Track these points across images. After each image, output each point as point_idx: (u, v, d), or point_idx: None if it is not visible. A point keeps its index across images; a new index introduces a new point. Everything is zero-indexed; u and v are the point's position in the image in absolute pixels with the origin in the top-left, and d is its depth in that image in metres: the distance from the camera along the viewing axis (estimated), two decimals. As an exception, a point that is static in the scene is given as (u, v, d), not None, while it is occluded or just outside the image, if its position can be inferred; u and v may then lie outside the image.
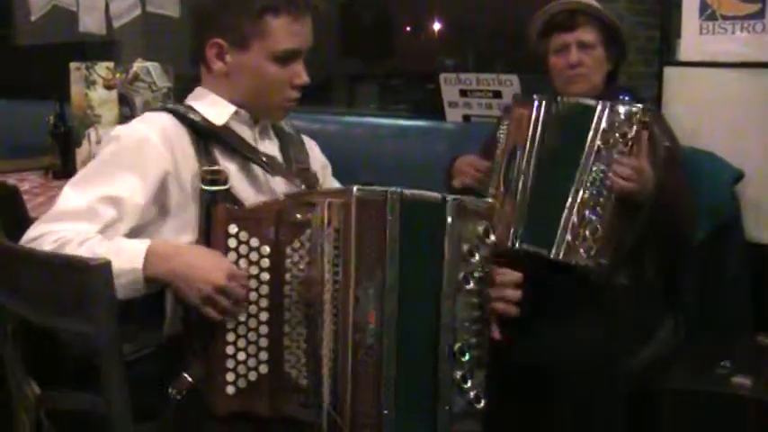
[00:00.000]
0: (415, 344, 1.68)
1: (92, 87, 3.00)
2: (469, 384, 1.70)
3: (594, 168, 2.23)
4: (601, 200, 2.22)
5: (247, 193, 1.84)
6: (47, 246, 1.69)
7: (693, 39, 2.75)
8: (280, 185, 1.89)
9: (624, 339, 2.24)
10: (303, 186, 1.88)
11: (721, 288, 2.58)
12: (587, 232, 2.22)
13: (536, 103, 2.35)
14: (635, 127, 2.21)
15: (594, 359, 2.13)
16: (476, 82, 3.26)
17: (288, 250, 1.68)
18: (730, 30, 2.69)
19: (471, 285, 1.71)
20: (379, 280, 1.63)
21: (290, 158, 1.94)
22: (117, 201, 1.74)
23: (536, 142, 2.33)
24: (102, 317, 1.57)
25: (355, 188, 1.63)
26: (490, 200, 1.83)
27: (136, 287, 1.66)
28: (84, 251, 1.66)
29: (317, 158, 2.05)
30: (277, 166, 1.89)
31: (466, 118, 3.34)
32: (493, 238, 1.73)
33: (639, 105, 2.24)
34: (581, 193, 2.24)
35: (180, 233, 1.79)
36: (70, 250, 1.67)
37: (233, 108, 1.87)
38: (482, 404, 1.71)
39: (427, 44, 6.45)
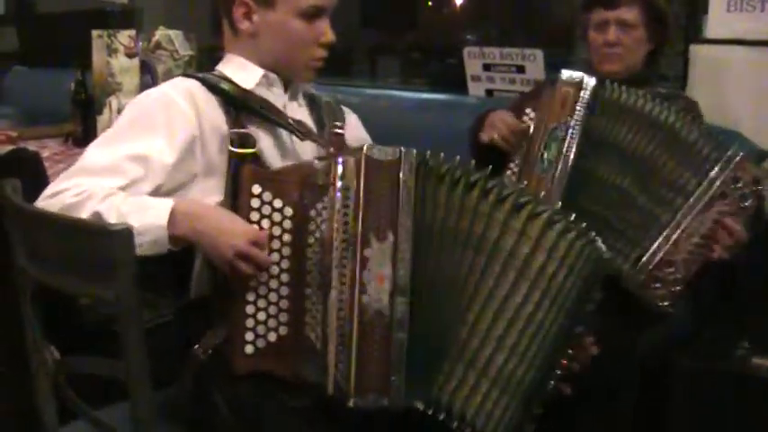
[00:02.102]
0: (440, 307, 1.69)
1: (113, 55, 3.07)
2: None
3: (705, 215, 2.14)
4: (694, 251, 2.13)
5: (274, 159, 1.89)
6: (68, 199, 1.72)
7: (721, 16, 2.77)
8: (308, 152, 1.93)
9: (635, 318, 2.21)
10: (332, 150, 1.90)
11: (740, 268, 2.53)
12: (669, 276, 2.15)
13: (587, 84, 2.23)
14: (751, 187, 2.14)
15: (604, 339, 2.10)
16: (499, 56, 3.31)
17: (311, 212, 1.72)
18: (759, 7, 2.71)
19: None
20: (390, 242, 1.65)
21: (322, 123, 1.99)
22: (143, 159, 1.78)
23: (584, 127, 2.24)
24: (122, 283, 1.59)
25: (365, 147, 1.66)
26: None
27: (160, 245, 1.69)
28: (106, 207, 1.70)
29: (354, 130, 2.08)
30: (305, 130, 1.92)
31: (489, 93, 3.39)
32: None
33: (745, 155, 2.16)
34: (680, 230, 2.14)
35: (207, 196, 1.82)
36: (92, 205, 1.70)
37: (261, 71, 1.93)
38: None
39: (450, 17, 6.47)
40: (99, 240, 1.60)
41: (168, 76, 2.98)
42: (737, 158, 2.13)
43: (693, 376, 2.34)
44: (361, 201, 1.65)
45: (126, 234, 1.59)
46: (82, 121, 3.23)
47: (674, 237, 2.13)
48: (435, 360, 1.70)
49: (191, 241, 1.70)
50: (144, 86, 2.95)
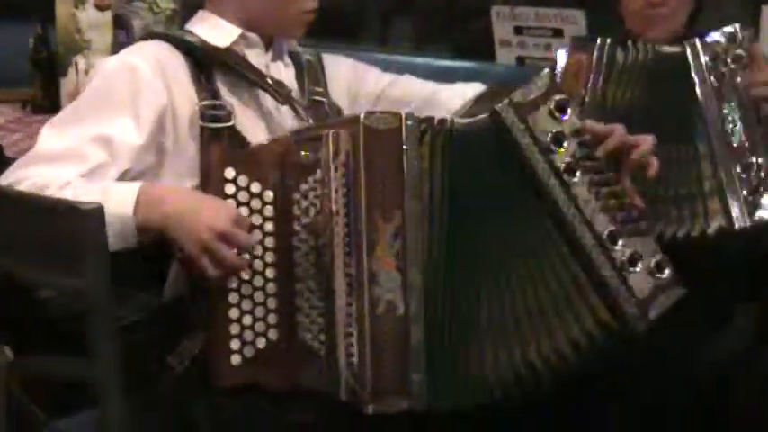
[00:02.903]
0: (463, 289, 1.71)
1: (81, 7, 3.03)
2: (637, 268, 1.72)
3: (726, 110, 2.21)
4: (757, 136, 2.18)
5: (256, 131, 1.89)
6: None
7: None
8: (291, 121, 1.93)
9: (698, 326, 2.21)
10: (311, 120, 1.91)
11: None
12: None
13: (597, 48, 2.27)
14: (744, 44, 2.20)
15: (665, 350, 2.11)
16: (534, 18, 3.29)
17: (295, 195, 1.72)
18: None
19: (579, 175, 1.72)
20: (397, 221, 1.65)
21: (303, 88, 1.99)
22: (106, 140, 1.78)
23: (600, 96, 2.27)
24: (93, 270, 1.60)
25: (363, 115, 1.65)
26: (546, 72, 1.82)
27: (127, 237, 1.69)
28: (65, 196, 1.70)
29: (345, 83, 2.09)
30: (286, 93, 1.92)
31: (520, 60, 3.36)
32: (570, 112, 1.73)
33: (731, 26, 2.22)
34: (735, 139, 2.20)
35: (181, 178, 1.84)
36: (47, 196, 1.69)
37: (238, 31, 1.93)
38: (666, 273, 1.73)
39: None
40: (65, 221, 1.60)
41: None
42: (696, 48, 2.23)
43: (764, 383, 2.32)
44: (362, 178, 1.65)
45: (97, 213, 1.59)
46: (43, 84, 3.18)
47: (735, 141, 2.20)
48: (459, 352, 1.71)
49: (160, 229, 1.69)
50: (117, 45, 2.91)
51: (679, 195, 2.21)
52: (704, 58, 2.22)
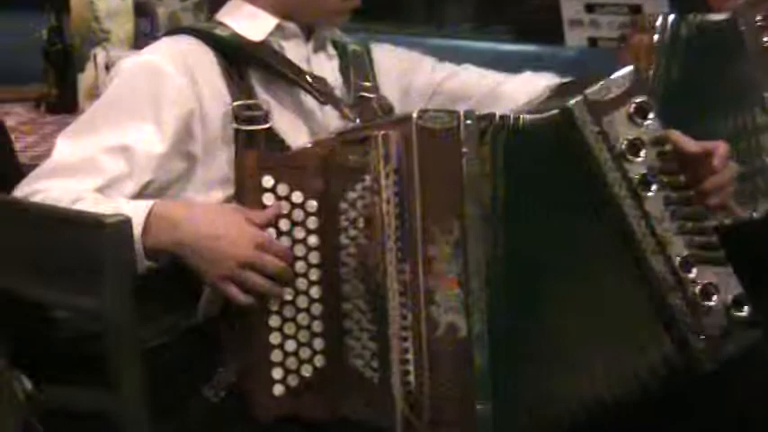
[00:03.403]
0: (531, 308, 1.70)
1: (99, -7, 2.94)
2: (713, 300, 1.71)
3: None
4: None
5: (296, 133, 1.88)
6: None
7: None
8: (336, 121, 1.91)
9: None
10: (357, 121, 1.89)
11: None
12: None
13: (659, 25, 2.31)
14: None
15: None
16: (608, -8, 3.21)
17: (341, 205, 1.70)
18: None
19: (654, 190, 1.70)
20: (457, 232, 1.65)
21: (349, 82, 1.97)
22: (124, 150, 1.78)
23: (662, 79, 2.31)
24: (114, 289, 1.60)
25: (416, 113, 1.62)
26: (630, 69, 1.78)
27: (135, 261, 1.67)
28: None
29: (394, 74, 2.07)
30: (328, 91, 1.91)
31: (592, 42, 3.34)
32: (652, 116, 1.70)
33: None
34: None
35: (211, 188, 1.84)
36: None
37: (275, 20, 1.91)
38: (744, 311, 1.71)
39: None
40: (86, 234, 1.60)
41: (173, 21, 2.95)
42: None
43: None
44: (416, 184, 1.64)
45: (123, 227, 1.59)
46: (57, 80, 3.14)
47: None
48: (525, 380, 1.71)
49: (173, 255, 1.69)
50: (140, 35, 2.91)
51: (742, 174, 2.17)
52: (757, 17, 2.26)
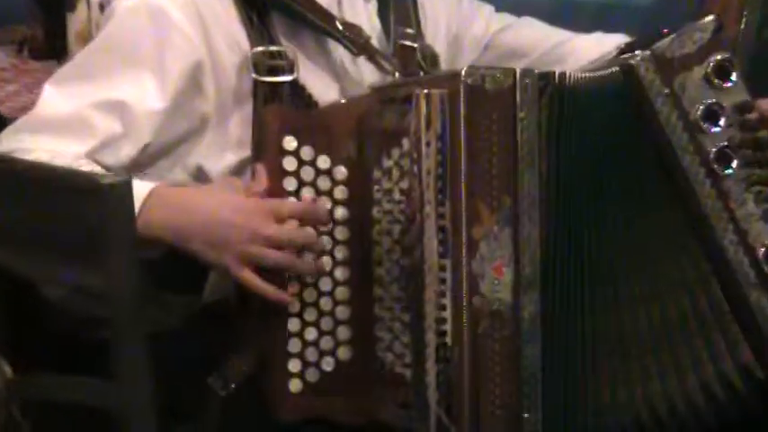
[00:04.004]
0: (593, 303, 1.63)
1: None
2: None
3: None
4: None
5: (325, 89, 1.82)
6: None
7: None
8: (372, 75, 1.84)
9: None
10: (396, 74, 1.81)
11: None
12: None
13: None
14: None
15: None
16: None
17: (375, 173, 1.64)
18: None
19: (734, 167, 1.61)
20: (507, 210, 1.55)
21: (388, 29, 1.89)
22: (120, 107, 1.72)
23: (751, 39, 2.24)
24: (118, 263, 1.52)
25: (465, 70, 1.54)
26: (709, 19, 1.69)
27: None
28: None
29: (443, 20, 2.01)
30: (362, 41, 1.82)
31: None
32: (735, 77, 1.62)
33: None
34: None
35: (222, 152, 1.78)
36: None
37: None
38: None
39: None
40: (83, 199, 1.54)
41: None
42: None
43: None
44: (463, 153, 1.54)
45: (123, 189, 1.51)
46: (44, 21, 3.06)
47: None
48: (579, 385, 1.63)
49: (171, 244, 1.63)
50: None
51: None
52: None
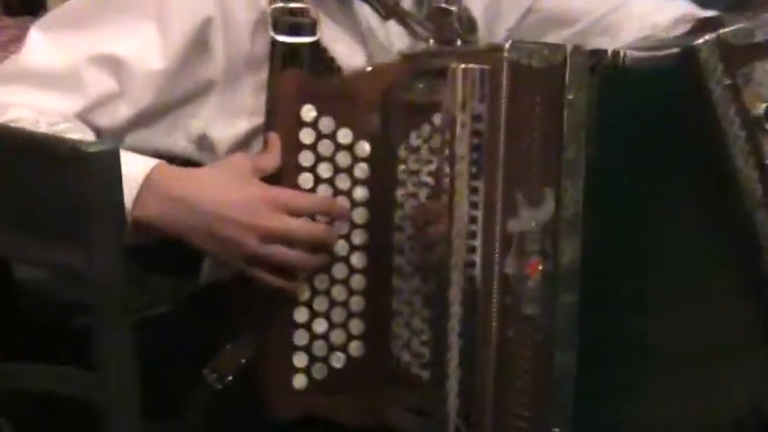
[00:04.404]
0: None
1: None
2: None
3: None
4: None
5: (350, 54, 1.75)
6: None
7: None
8: (402, 40, 1.78)
9: None
10: (432, 42, 1.73)
11: None
12: None
13: None
14: None
15: None
16: None
17: (401, 152, 1.59)
18: None
19: None
20: (549, 205, 1.49)
21: None
22: (116, 64, 1.67)
23: None
24: (100, 242, 1.45)
25: (508, 44, 1.47)
26: None
27: None
28: None
29: None
30: (392, 2, 1.75)
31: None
32: None
33: None
34: None
35: (230, 117, 1.72)
36: None
37: None
38: None
39: None
40: (64, 169, 1.46)
41: None
42: None
43: None
44: (501, 137, 1.47)
45: (110, 159, 1.44)
46: None
47: None
48: (616, 399, 1.59)
49: (167, 234, 1.59)
50: None
51: None
52: None
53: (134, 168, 1.57)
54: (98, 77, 1.66)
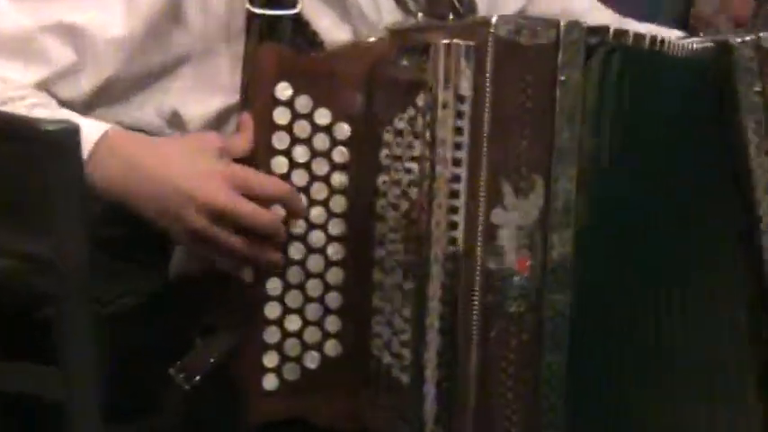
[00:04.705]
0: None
1: None
2: None
3: None
4: None
5: (334, 30, 1.71)
6: None
7: None
8: (391, 14, 1.73)
9: None
10: (420, 15, 1.69)
11: None
12: None
13: None
14: None
15: None
16: None
17: (385, 134, 1.55)
18: None
19: None
20: (539, 194, 1.46)
21: None
22: (77, 33, 1.63)
23: None
24: (61, 228, 1.43)
25: (495, 18, 1.42)
26: None
27: None
28: None
29: None
30: None
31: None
32: None
33: None
34: None
35: (203, 94, 1.67)
36: None
37: None
38: None
39: None
40: (21, 149, 1.45)
41: None
42: None
43: None
44: (487, 119, 1.43)
45: (70, 138, 1.41)
46: None
47: None
48: (610, 414, 1.56)
49: (119, 200, 1.54)
50: None
51: None
52: None
53: (87, 129, 1.51)
54: (58, 47, 1.62)
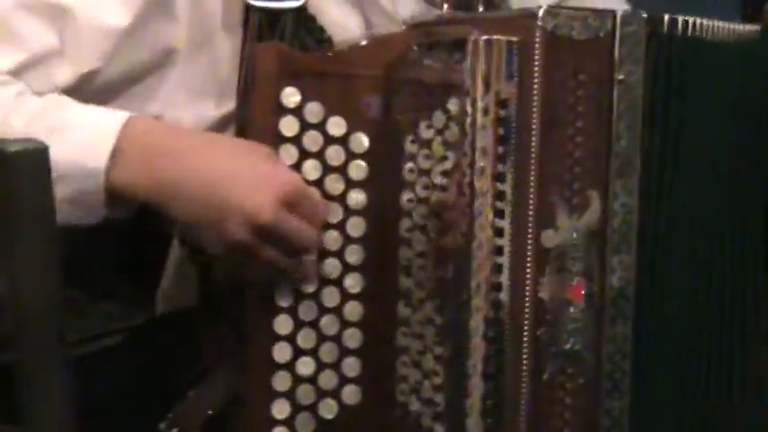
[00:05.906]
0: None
1: None
2: None
3: None
4: None
5: (344, 23, 1.72)
6: None
7: None
8: (411, 7, 1.72)
9: None
10: (445, 7, 1.67)
11: None
12: None
13: None
14: None
15: None
16: None
17: (408, 145, 1.52)
18: None
19: None
20: (595, 211, 1.44)
21: None
22: (63, 14, 1.61)
23: None
24: (25, 260, 1.41)
25: (543, 10, 1.41)
26: None
27: (87, 205, 1.53)
28: None
29: None
30: None
31: None
32: None
33: None
34: None
35: (193, 98, 1.67)
36: None
37: None
38: None
39: None
40: None
41: None
42: None
43: None
44: (536, 127, 1.43)
45: (37, 159, 1.40)
46: None
47: None
48: None
49: (150, 202, 1.50)
50: None
51: None
52: None
53: (103, 119, 1.49)
54: (37, 29, 1.59)
